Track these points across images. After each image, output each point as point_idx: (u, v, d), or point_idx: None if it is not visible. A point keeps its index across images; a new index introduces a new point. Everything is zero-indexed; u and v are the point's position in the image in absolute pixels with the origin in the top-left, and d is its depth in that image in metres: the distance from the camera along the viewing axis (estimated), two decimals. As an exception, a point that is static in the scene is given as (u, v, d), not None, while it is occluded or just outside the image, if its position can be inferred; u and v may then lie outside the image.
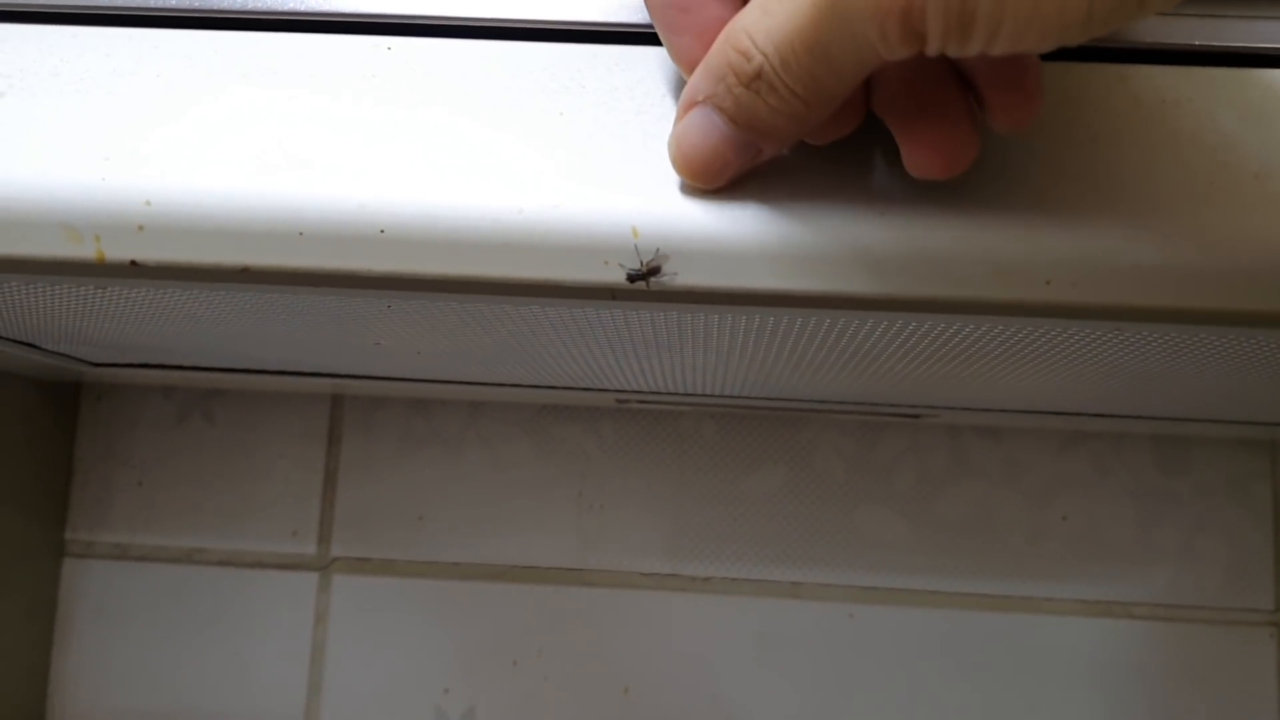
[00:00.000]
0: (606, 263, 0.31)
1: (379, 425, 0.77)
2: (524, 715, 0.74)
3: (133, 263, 0.32)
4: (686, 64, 0.29)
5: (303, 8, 0.34)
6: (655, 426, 0.76)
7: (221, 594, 0.76)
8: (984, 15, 0.22)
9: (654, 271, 0.30)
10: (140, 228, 0.31)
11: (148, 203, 0.31)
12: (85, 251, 0.32)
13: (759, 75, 0.26)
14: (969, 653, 0.73)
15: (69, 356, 0.60)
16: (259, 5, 0.34)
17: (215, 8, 0.34)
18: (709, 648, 0.74)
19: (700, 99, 0.29)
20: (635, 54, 0.33)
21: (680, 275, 0.30)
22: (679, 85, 0.32)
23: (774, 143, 0.29)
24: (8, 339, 0.53)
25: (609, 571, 0.75)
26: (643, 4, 0.31)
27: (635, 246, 0.30)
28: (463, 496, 0.76)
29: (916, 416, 0.69)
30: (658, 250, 0.30)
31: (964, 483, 0.74)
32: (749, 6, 0.27)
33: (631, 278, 0.30)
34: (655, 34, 0.33)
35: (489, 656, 0.75)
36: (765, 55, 0.26)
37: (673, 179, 0.31)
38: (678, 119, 0.30)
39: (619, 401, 0.69)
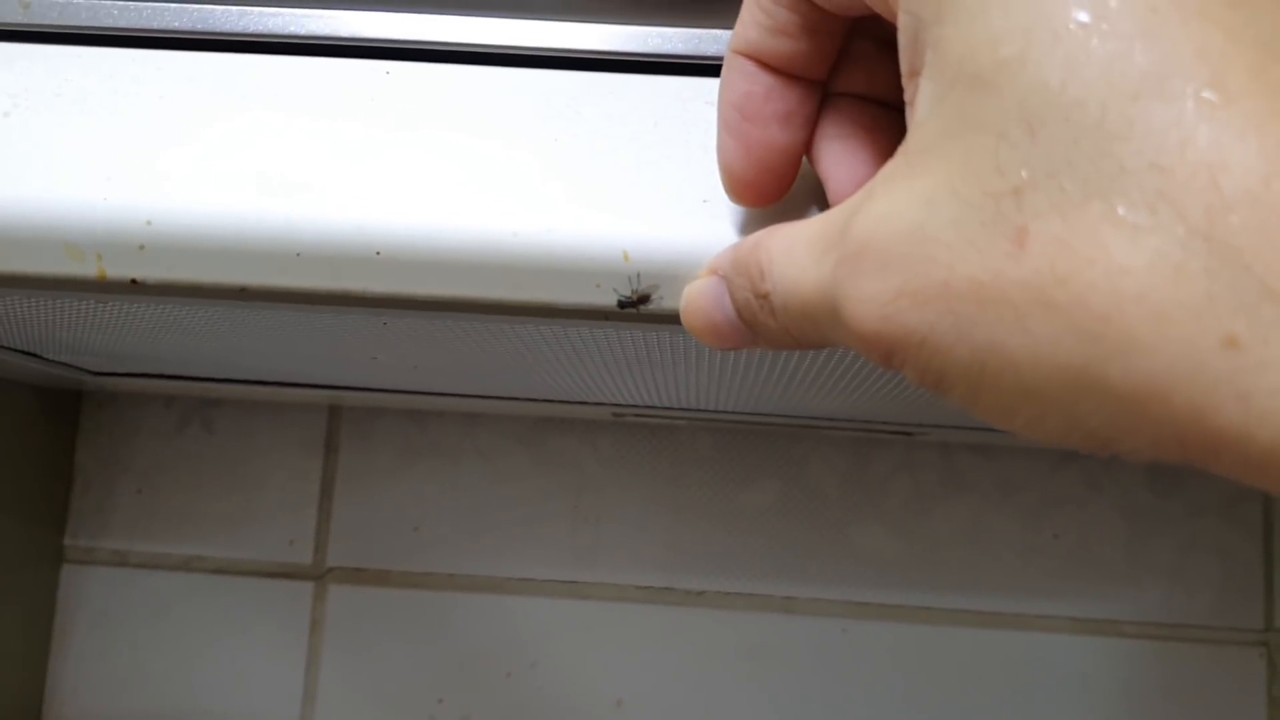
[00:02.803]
0: (599, 286, 0.31)
1: (376, 436, 0.77)
2: (517, 726, 0.75)
3: (133, 281, 0.32)
4: (722, 162, 0.30)
5: (304, 31, 0.34)
6: (651, 440, 0.76)
7: (218, 602, 0.76)
8: (958, 393, 0.22)
9: (644, 300, 0.31)
10: (141, 247, 0.32)
11: (149, 222, 0.32)
12: (87, 269, 0.32)
13: (766, 297, 0.26)
14: (960, 669, 0.73)
15: (70, 366, 0.61)
16: (261, 28, 0.34)
17: (218, 30, 0.34)
18: (702, 662, 0.74)
19: (719, 274, 0.29)
20: (631, 82, 0.33)
21: (669, 300, 0.31)
22: (671, 115, 0.33)
23: (767, 346, 0.29)
24: (10, 349, 0.53)
25: (603, 584, 0.75)
26: (639, 33, 0.31)
27: (628, 275, 0.31)
28: (459, 508, 0.76)
29: (909, 434, 0.69)
30: (639, 274, 0.31)
31: (956, 500, 0.75)
32: (789, 226, 0.26)
33: (622, 304, 0.31)
34: (651, 63, 0.34)
35: (483, 668, 0.75)
36: (773, 289, 0.26)
37: (664, 204, 0.31)
38: (701, 274, 0.30)
39: (615, 415, 0.70)
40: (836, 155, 0.29)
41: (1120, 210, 0.19)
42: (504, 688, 0.75)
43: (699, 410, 0.63)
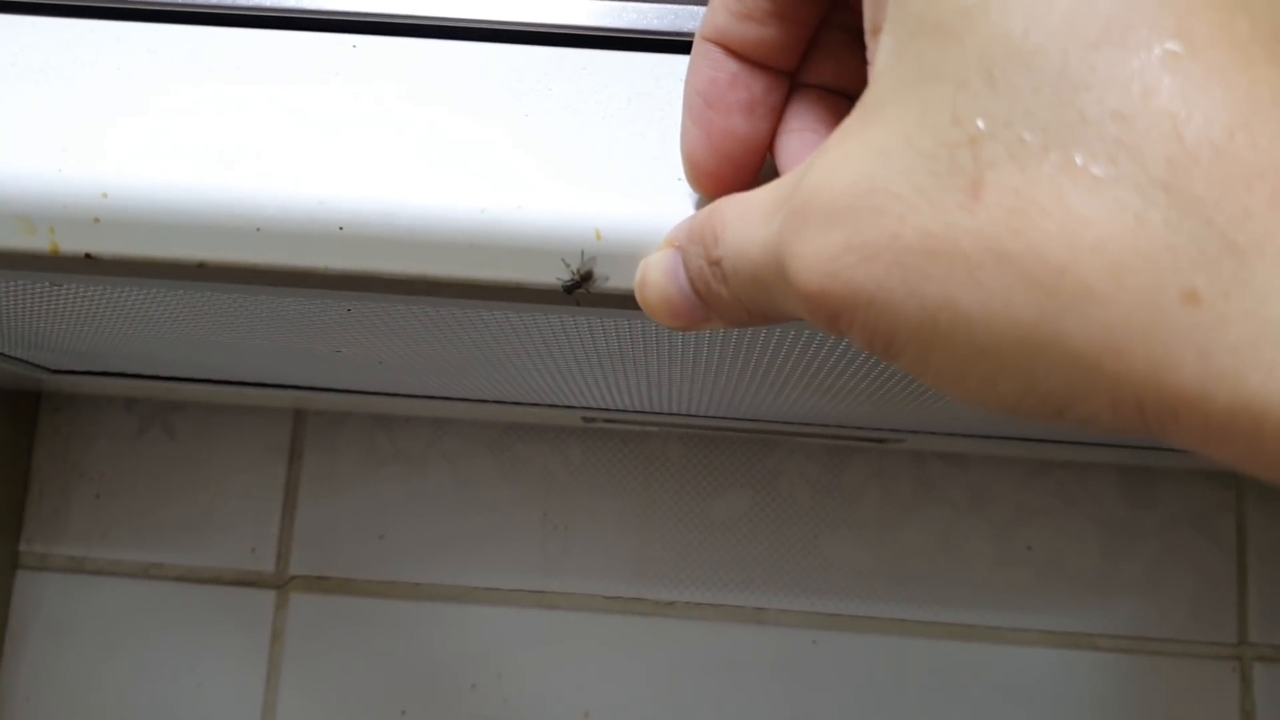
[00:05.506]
0: (569, 265, 0.30)
1: (341, 441, 0.76)
2: (482, 739, 0.73)
3: (87, 256, 0.31)
4: (684, 149, 0.29)
5: (268, 4, 0.33)
6: (622, 448, 0.75)
7: (178, 610, 0.75)
8: (907, 356, 0.21)
9: (587, 278, 0.30)
10: (96, 220, 0.31)
11: (104, 195, 0.31)
12: (39, 243, 0.31)
13: (718, 263, 0.26)
14: (932, 682, 0.73)
15: (27, 362, 0.59)
16: (224, 0, 0.33)
17: (179, 1, 0.34)
18: (672, 673, 0.73)
19: (675, 245, 0.28)
20: (603, 58, 0.33)
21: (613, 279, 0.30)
22: (646, 92, 0.32)
23: (721, 321, 0.28)
24: (-37, 342, 0.52)
25: (572, 594, 0.74)
26: (614, 8, 0.31)
27: (562, 259, 0.30)
28: (425, 515, 0.75)
29: (882, 441, 0.68)
30: (583, 253, 0.30)
31: (929, 511, 0.74)
32: (745, 193, 0.26)
33: (567, 288, 0.30)
34: (623, 40, 0.33)
35: (448, 679, 0.74)
36: (724, 255, 0.26)
37: (637, 181, 0.31)
38: (659, 248, 0.29)
39: (586, 420, 0.69)
40: (796, 148, 0.28)
41: (1080, 160, 0.18)
42: (469, 699, 0.73)
43: (671, 415, 0.62)
